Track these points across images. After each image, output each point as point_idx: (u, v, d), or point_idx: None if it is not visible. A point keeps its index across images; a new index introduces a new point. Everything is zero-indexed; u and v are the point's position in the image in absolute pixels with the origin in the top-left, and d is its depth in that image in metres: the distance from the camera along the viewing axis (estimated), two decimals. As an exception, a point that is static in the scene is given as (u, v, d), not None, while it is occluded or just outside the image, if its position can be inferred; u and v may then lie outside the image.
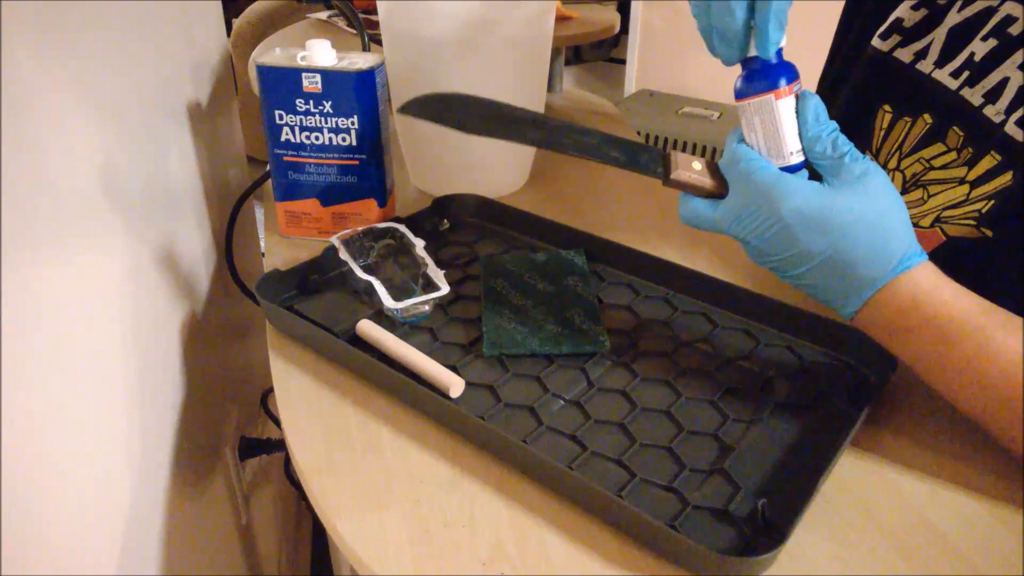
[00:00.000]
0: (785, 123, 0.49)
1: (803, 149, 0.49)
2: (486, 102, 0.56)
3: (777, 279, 0.52)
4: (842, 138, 0.49)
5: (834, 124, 0.49)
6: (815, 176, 0.50)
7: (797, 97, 0.49)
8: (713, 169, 0.52)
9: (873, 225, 0.47)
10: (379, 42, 0.84)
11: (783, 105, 0.49)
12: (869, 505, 0.47)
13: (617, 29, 1.38)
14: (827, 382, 0.56)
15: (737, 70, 0.50)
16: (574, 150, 0.53)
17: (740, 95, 0.50)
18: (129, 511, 0.57)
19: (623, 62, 3.40)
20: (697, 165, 0.52)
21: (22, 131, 0.44)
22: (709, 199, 0.52)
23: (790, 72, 0.49)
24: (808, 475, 0.46)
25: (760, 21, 0.46)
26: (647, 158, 0.53)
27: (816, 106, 0.49)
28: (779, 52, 0.49)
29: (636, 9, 3.18)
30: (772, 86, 0.48)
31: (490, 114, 0.56)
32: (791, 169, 0.50)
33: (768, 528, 0.44)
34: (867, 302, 0.48)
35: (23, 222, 0.43)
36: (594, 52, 4.42)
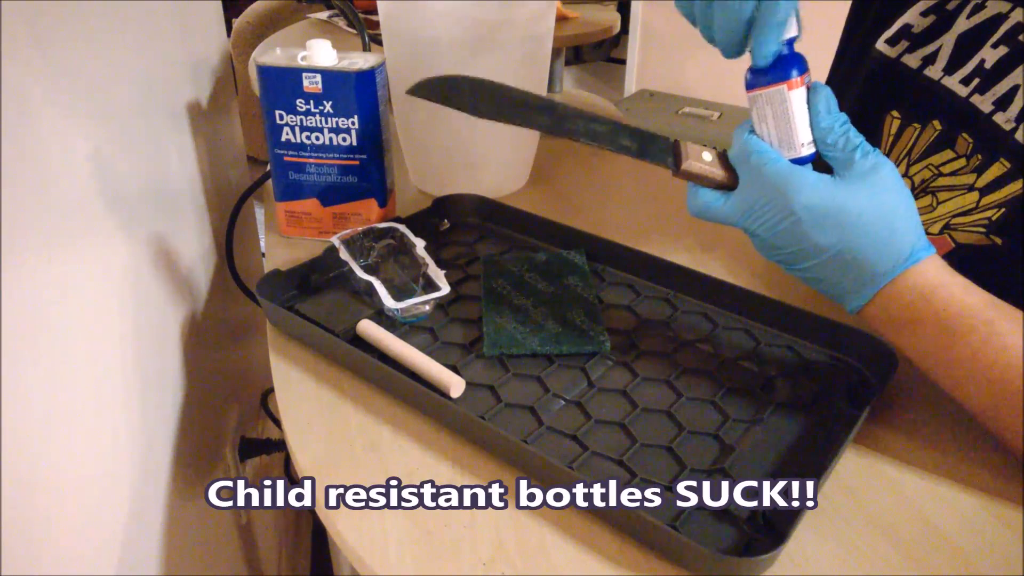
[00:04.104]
0: (797, 114, 0.49)
1: (814, 141, 0.49)
2: (495, 85, 0.55)
3: (781, 280, 0.52)
4: (853, 130, 0.48)
5: (845, 116, 0.49)
6: (824, 167, 0.49)
7: (808, 88, 0.49)
8: (723, 160, 0.52)
9: (884, 219, 0.47)
10: (379, 42, 0.84)
11: (795, 96, 0.48)
12: (869, 505, 0.47)
13: (617, 29, 1.38)
14: (827, 382, 0.56)
15: (741, 66, 0.50)
16: (584, 137, 0.53)
17: (752, 85, 0.49)
18: (129, 511, 0.57)
19: (623, 62, 3.41)
20: (707, 156, 0.51)
21: (21, 132, 0.44)
22: (719, 191, 0.51)
23: (801, 63, 0.48)
24: (809, 475, 0.46)
25: (757, 32, 0.46)
26: (657, 148, 0.53)
27: (828, 97, 0.48)
28: (791, 43, 0.48)
29: (636, 9, 3.18)
30: (784, 76, 0.48)
31: (499, 97, 0.55)
32: (801, 161, 0.49)
33: (768, 528, 0.44)
34: (875, 296, 0.49)
35: (23, 222, 0.43)
36: (594, 52, 4.42)
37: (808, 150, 0.49)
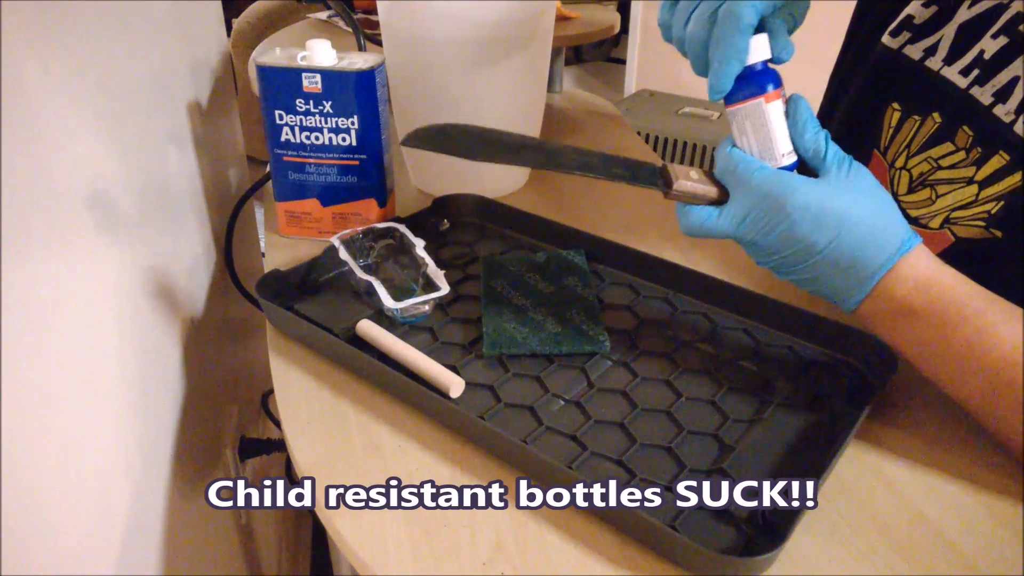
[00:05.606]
0: (775, 126, 0.50)
1: (795, 149, 0.51)
2: (485, 131, 0.57)
3: (780, 280, 0.52)
4: (830, 139, 0.50)
5: (818, 124, 0.51)
6: (807, 175, 0.50)
7: (785, 100, 0.51)
8: (710, 178, 0.53)
9: (873, 213, 0.48)
10: (379, 42, 0.84)
11: (773, 108, 0.50)
12: (869, 505, 0.47)
13: (617, 29, 1.38)
14: (827, 382, 0.56)
15: None
16: (577, 169, 0.54)
17: (730, 100, 0.51)
18: (129, 511, 0.57)
19: (623, 62, 3.41)
20: (695, 174, 0.53)
21: (21, 132, 0.44)
22: (709, 207, 0.52)
23: (776, 78, 0.50)
24: (809, 475, 0.46)
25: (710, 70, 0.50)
26: (646, 173, 0.54)
27: (806, 108, 0.50)
28: (764, 63, 0.50)
29: (636, 9, 3.18)
30: (760, 90, 0.50)
31: (491, 142, 0.57)
32: (783, 171, 0.50)
33: (768, 528, 0.44)
34: (871, 292, 0.49)
35: (22, 223, 0.43)
36: (594, 52, 4.42)
37: (789, 160, 0.51)
